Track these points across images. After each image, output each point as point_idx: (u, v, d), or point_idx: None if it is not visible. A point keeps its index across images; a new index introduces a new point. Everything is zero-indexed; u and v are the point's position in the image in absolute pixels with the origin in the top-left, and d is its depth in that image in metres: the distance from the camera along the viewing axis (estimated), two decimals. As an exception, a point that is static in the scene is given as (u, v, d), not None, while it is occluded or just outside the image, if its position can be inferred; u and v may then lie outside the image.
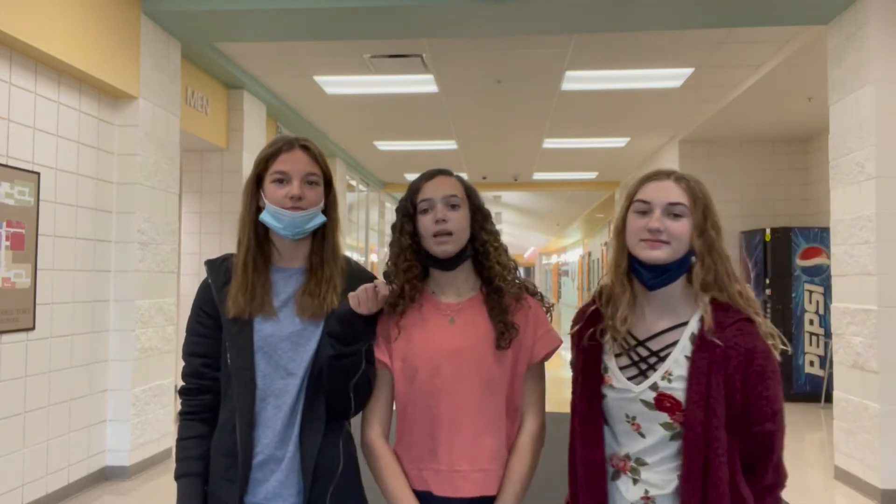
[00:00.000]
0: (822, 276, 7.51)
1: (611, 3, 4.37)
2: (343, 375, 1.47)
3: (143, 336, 4.69)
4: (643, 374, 1.37)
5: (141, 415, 4.67)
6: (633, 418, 1.38)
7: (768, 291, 7.67)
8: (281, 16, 4.56)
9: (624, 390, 1.38)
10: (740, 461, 1.34)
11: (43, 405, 3.93)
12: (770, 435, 1.34)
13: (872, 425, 4.18)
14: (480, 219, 1.57)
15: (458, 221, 1.51)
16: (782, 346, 1.38)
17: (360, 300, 1.41)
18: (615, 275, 1.45)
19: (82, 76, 4.15)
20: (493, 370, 1.50)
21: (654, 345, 1.39)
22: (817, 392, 7.36)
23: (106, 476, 4.52)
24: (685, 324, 1.38)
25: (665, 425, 1.35)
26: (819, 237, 7.55)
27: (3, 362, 3.62)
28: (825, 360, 7.36)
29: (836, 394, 4.63)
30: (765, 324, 1.37)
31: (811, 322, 7.57)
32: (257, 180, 1.56)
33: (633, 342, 1.41)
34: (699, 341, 1.34)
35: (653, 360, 1.37)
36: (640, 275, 1.39)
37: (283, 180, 1.52)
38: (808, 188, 8.42)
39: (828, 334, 7.25)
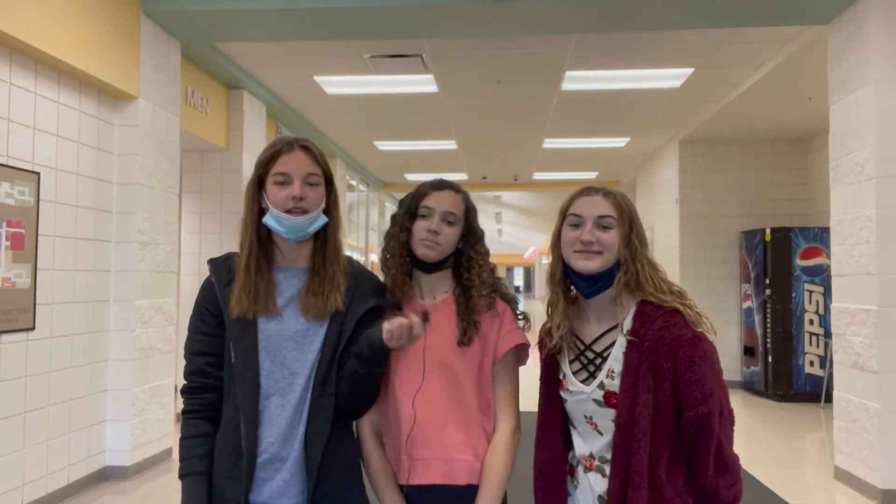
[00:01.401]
0: (822, 275, 7.51)
1: (611, 3, 4.37)
2: (359, 390, 1.53)
3: (143, 336, 4.69)
4: (592, 376, 1.49)
5: (141, 415, 4.67)
6: (591, 418, 1.49)
7: (768, 291, 7.67)
8: (281, 16, 4.56)
9: (578, 392, 1.50)
10: (684, 457, 1.42)
11: (43, 405, 3.93)
12: (704, 419, 1.37)
13: (872, 425, 4.18)
14: (473, 239, 1.68)
15: (449, 238, 1.63)
16: (713, 333, 1.47)
17: (394, 336, 1.42)
18: (551, 284, 1.58)
19: (82, 76, 4.15)
20: (456, 365, 1.58)
21: (598, 346, 1.51)
22: (817, 392, 7.36)
23: (106, 476, 4.52)
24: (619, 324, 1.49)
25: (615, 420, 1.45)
26: (819, 237, 7.55)
27: (4, 362, 3.62)
28: (825, 360, 7.36)
29: (836, 394, 4.63)
30: (692, 314, 1.45)
31: (811, 322, 7.57)
32: (259, 182, 1.57)
33: (582, 347, 1.53)
34: (629, 343, 1.45)
35: (598, 361, 1.49)
36: (577, 285, 1.52)
37: (284, 182, 1.53)
38: (809, 188, 8.42)
39: (828, 334, 7.26)
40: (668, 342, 1.40)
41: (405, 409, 1.57)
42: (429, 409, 1.57)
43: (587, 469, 1.51)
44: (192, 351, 1.57)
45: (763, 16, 4.54)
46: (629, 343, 1.44)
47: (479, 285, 1.63)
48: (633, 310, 1.48)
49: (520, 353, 1.65)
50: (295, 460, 1.49)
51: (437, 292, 1.68)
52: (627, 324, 1.47)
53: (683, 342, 1.40)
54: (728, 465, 1.43)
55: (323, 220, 1.57)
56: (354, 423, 1.64)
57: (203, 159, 6.44)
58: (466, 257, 1.66)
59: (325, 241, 1.60)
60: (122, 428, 4.55)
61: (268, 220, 1.54)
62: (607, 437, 1.46)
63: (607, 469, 1.46)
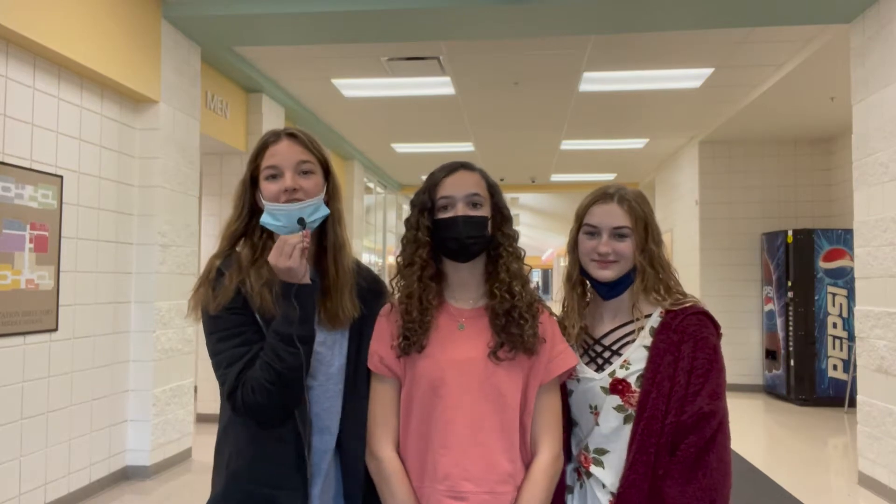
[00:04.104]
0: (845, 278, 7.39)
1: (629, 4, 4.34)
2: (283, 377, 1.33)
3: (164, 337, 4.74)
4: (601, 368, 1.53)
5: (161, 415, 4.72)
6: (595, 407, 1.51)
7: (790, 294, 7.57)
8: (299, 20, 4.59)
9: (588, 379, 1.52)
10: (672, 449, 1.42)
11: (66, 405, 3.98)
12: (705, 416, 1.40)
13: (898, 430, 4.10)
14: (500, 220, 1.48)
15: None
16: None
17: (281, 255, 1.28)
18: (568, 288, 1.63)
19: (104, 81, 4.20)
20: (502, 383, 1.40)
21: (607, 341, 1.55)
22: (841, 396, 7.23)
23: (127, 475, 4.57)
24: (633, 321, 1.54)
25: (618, 408, 1.48)
26: (842, 239, 7.43)
27: (27, 363, 3.68)
28: (849, 364, 7.24)
29: (859, 398, 4.55)
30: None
31: (834, 325, 7.45)
32: (253, 180, 1.46)
33: (591, 341, 1.58)
34: (660, 328, 1.49)
35: (606, 354, 1.54)
36: (596, 289, 1.58)
37: (275, 175, 1.40)
38: (832, 189, 8.29)
39: (851, 337, 7.14)
40: (694, 338, 1.46)
41: (441, 432, 1.38)
42: (468, 434, 1.37)
43: (588, 473, 1.51)
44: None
45: (784, 15, 4.48)
46: (659, 333, 1.48)
47: (509, 281, 1.42)
48: (658, 309, 1.53)
49: (568, 372, 1.49)
50: (332, 464, 1.46)
51: (475, 295, 1.48)
52: (654, 321, 1.52)
53: (708, 344, 1.46)
54: (703, 484, 1.37)
55: (324, 210, 1.42)
56: (369, 444, 1.45)
57: (223, 162, 6.50)
58: (494, 244, 1.46)
59: (326, 237, 1.47)
60: (142, 428, 4.60)
61: (264, 218, 1.38)
62: (605, 428, 1.48)
63: (605, 463, 1.48)
